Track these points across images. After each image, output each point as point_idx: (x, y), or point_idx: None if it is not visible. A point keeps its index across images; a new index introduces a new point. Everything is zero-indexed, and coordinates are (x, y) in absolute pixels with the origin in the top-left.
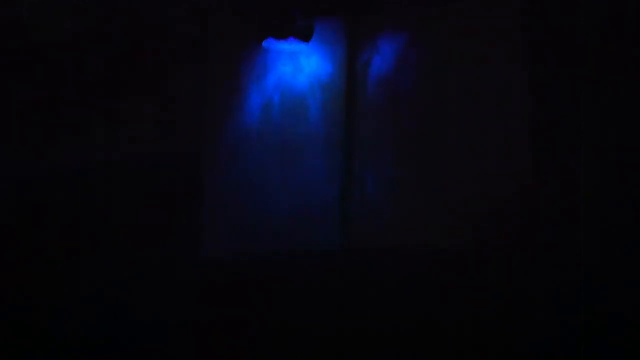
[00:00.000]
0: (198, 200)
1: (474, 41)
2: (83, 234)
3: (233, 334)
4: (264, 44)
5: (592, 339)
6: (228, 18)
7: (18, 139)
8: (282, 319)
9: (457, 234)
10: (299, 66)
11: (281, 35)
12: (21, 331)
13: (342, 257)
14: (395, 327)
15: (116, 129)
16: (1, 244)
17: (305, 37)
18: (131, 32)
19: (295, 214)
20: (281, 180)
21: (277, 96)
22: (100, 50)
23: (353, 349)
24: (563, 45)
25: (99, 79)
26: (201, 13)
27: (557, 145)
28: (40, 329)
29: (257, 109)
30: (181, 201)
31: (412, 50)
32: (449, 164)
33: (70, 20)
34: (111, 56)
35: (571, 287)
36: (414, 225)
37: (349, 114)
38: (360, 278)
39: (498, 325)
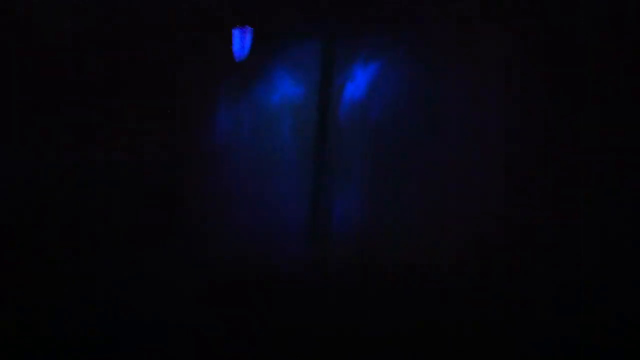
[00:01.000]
0: (198, 201)
1: (450, 69)
2: (83, 234)
3: (233, 334)
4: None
5: (592, 339)
6: (228, 18)
7: (18, 139)
8: (281, 319)
9: (435, 247)
10: (273, 86)
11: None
12: (21, 331)
13: (306, 271)
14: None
15: (116, 129)
16: (1, 244)
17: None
18: (131, 32)
19: (261, 232)
20: (247, 197)
21: (248, 113)
22: (100, 50)
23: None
24: (563, 45)
25: (99, 79)
26: (201, 13)
27: (557, 145)
28: (40, 329)
29: (229, 121)
30: (181, 201)
31: (384, 78)
32: (414, 182)
33: (70, 20)
34: (111, 56)
35: (571, 287)
36: (375, 241)
37: (319, 137)
38: (322, 293)
39: (498, 325)
